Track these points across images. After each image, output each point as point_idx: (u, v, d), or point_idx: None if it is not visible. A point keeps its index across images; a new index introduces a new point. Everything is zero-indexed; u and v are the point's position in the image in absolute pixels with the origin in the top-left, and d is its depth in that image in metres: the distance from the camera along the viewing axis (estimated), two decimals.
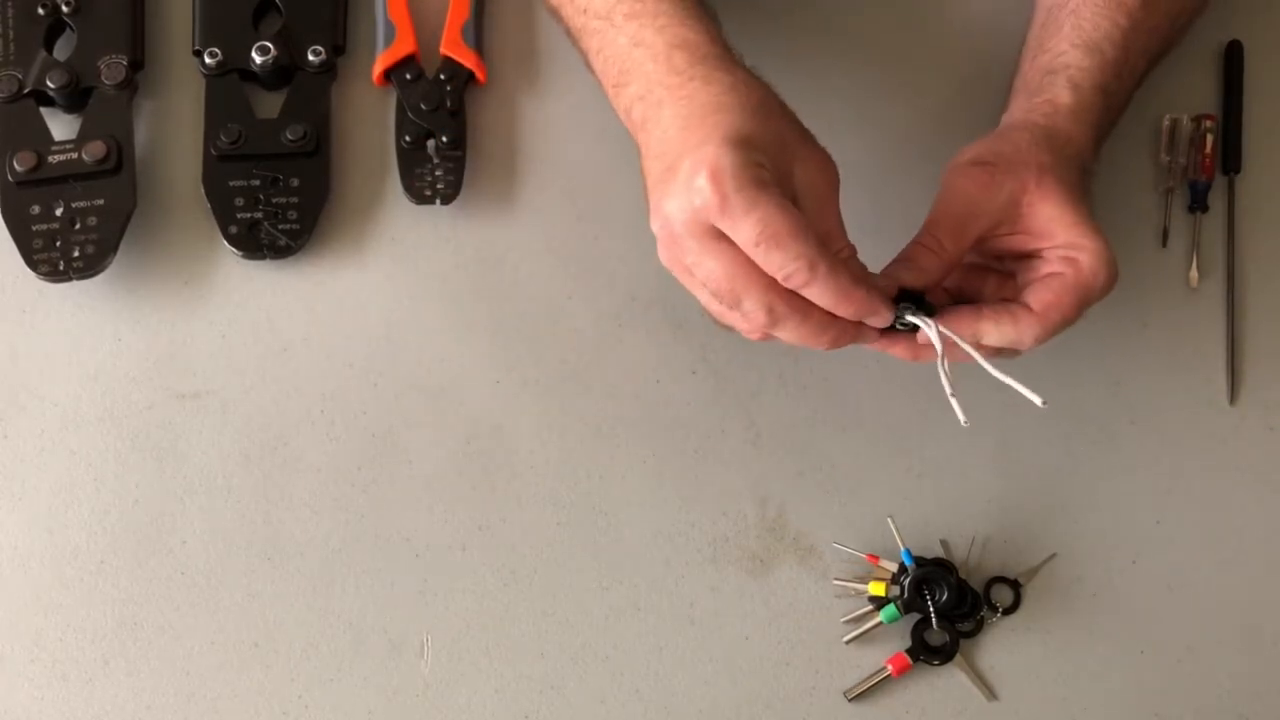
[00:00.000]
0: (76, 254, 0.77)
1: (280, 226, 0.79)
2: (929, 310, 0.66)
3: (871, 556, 0.75)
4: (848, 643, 0.74)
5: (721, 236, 0.61)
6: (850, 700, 0.73)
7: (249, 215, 0.79)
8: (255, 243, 0.79)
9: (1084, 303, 0.66)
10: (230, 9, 0.83)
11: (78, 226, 0.78)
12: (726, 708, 0.73)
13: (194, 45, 0.82)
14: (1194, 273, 0.81)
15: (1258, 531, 0.77)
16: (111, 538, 0.75)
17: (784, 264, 0.60)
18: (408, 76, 0.82)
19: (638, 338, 0.79)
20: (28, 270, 0.77)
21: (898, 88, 0.84)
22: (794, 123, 0.66)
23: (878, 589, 0.74)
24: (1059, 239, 0.67)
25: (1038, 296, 0.66)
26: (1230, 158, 0.83)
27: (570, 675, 0.73)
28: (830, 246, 0.63)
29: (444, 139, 0.81)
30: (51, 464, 0.76)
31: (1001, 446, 0.78)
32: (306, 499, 0.76)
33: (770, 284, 0.62)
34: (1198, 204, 0.82)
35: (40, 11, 0.82)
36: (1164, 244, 0.82)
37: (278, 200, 0.79)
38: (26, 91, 0.80)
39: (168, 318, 0.79)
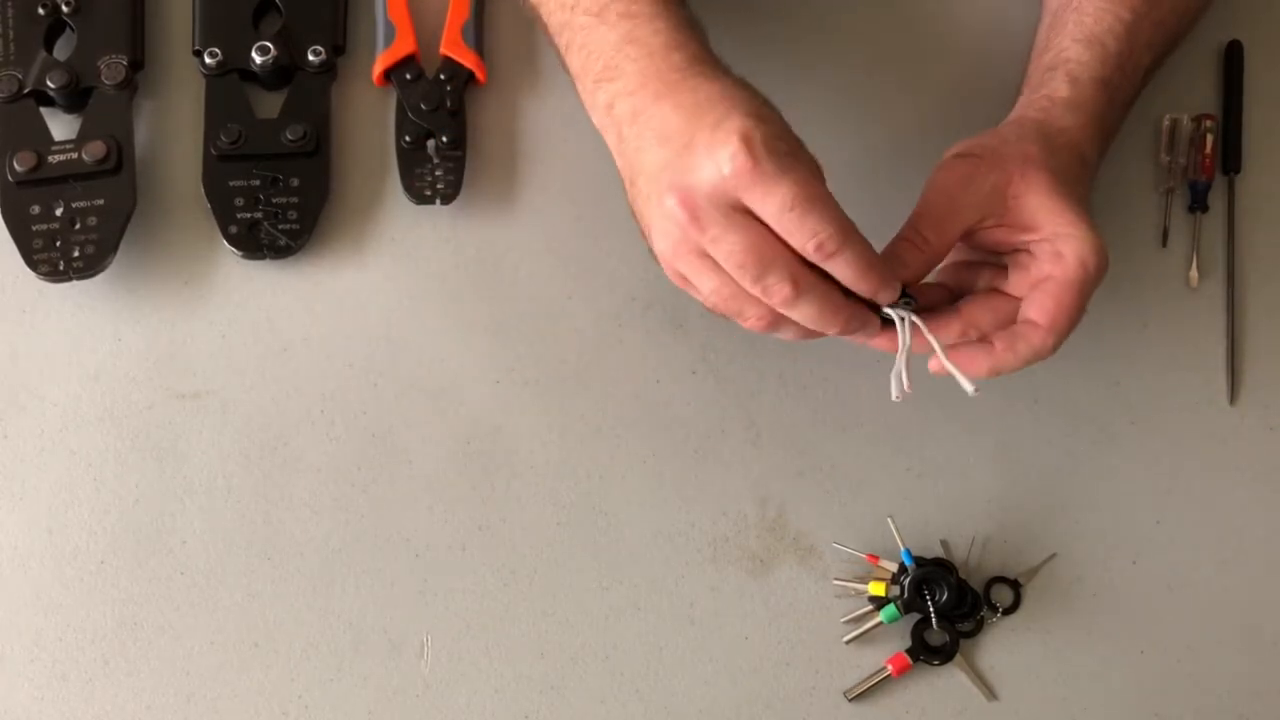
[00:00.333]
0: (76, 254, 0.77)
1: (280, 226, 0.79)
2: (914, 305, 0.67)
3: (871, 556, 0.75)
4: (848, 643, 0.74)
5: (746, 211, 0.62)
6: (850, 700, 0.73)
7: (249, 215, 0.79)
8: (255, 243, 0.79)
9: (1083, 295, 0.66)
10: (230, 9, 0.83)
11: (78, 226, 0.78)
12: (726, 708, 0.73)
13: (194, 45, 0.82)
14: (1194, 273, 0.81)
15: (1258, 531, 0.77)
16: (111, 538, 0.75)
17: (818, 228, 0.61)
18: (408, 76, 0.82)
19: (638, 338, 0.79)
20: (28, 270, 0.77)
21: (898, 88, 0.84)
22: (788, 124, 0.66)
23: (878, 589, 0.74)
24: (1045, 229, 0.67)
25: (1040, 307, 0.66)
26: (1230, 158, 0.83)
27: (570, 675, 0.73)
28: None
29: (444, 139, 0.81)
30: (51, 464, 0.76)
31: (1001, 446, 0.78)
32: (306, 499, 0.76)
33: (795, 256, 0.62)
34: (1198, 204, 0.82)
35: (40, 11, 0.82)
36: (1164, 244, 0.82)
37: (278, 200, 0.79)
38: (26, 91, 0.80)
39: (168, 318, 0.79)
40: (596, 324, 0.79)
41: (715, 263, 0.64)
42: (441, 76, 0.82)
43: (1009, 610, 0.75)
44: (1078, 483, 0.77)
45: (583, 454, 0.77)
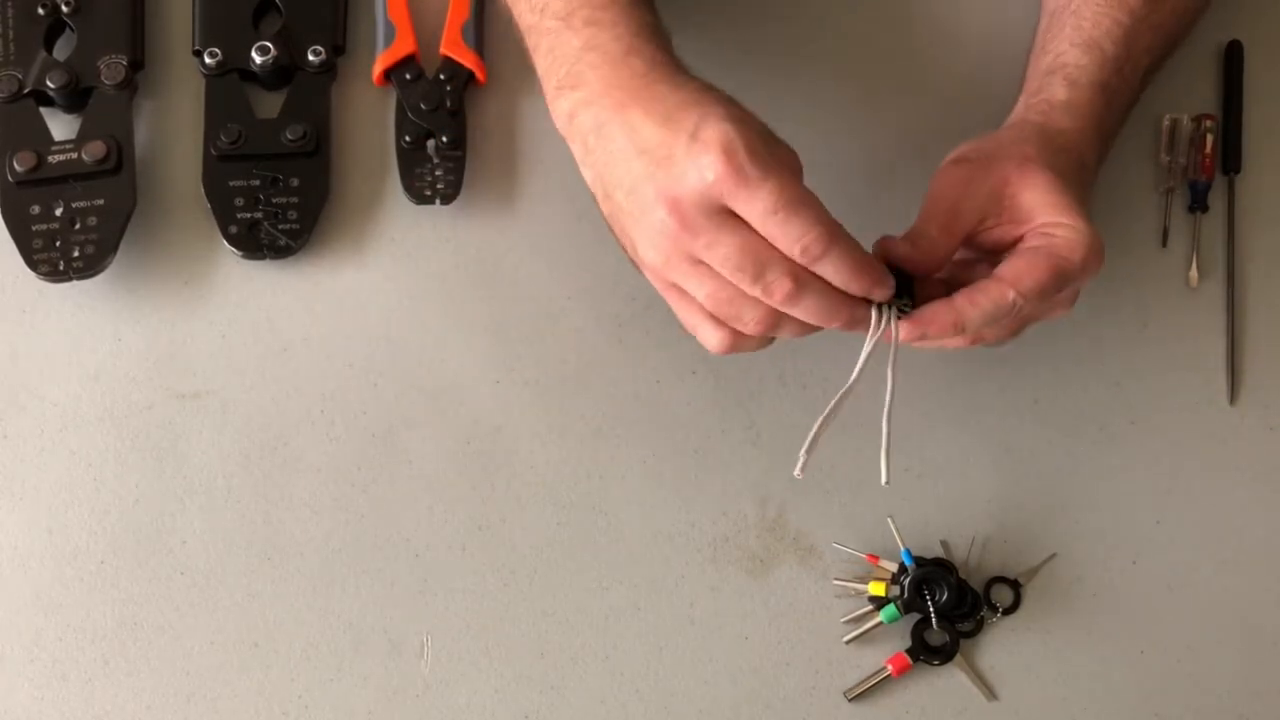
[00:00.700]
0: (76, 254, 0.77)
1: (280, 226, 0.79)
2: (910, 295, 0.67)
3: (871, 556, 0.75)
4: (848, 643, 0.74)
5: (734, 214, 0.61)
6: (850, 700, 0.73)
7: (249, 215, 0.79)
8: (255, 243, 0.79)
9: (1060, 275, 0.65)
10: (230, 9, 0.83)
11: (78, 226, 0.78)
12: (726, 708, 0.73)
13: (194, 45, 0.82)
14: (1194, 273, 0.81)
15: (1258, 531, 0.77)
16: (111, 538, 0.75)
17: (803, 231, 0.60)
18: (408, 76, 0.82)
19: (637, 338, 0.79)
20: (28, 270, 0.77)
21: (898, 88, 0.84)
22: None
23: (878, 589, 0.74)
24: (1040, 220, 0.66)
25: (1010, 266, 0.66)
26: (1230, 158, 0.83)
27: (570, 675, 0.73)
28: None
29: (444, 139, 0.81)
30: (51, 464, 0.76)
31: (1001, 446, 0.78)
32: (306, 499, 0.76)
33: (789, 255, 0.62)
34: (1198, 204, 0.82)
35: (40, 11, 0.82)
36: (1164, 244, 0.82)
37: (278, 200, 0.79)
38: (26, 91, 0.80)
39: (168, 318, 0.79)
40: (596, 324, 0.79)
41: (710, 268, 0.63)
42: (441, 76, 0.82)
43: (1009, 610, 0.75)
44: (1078, 483, 0.77)
45: (583, 454, 0.77)
